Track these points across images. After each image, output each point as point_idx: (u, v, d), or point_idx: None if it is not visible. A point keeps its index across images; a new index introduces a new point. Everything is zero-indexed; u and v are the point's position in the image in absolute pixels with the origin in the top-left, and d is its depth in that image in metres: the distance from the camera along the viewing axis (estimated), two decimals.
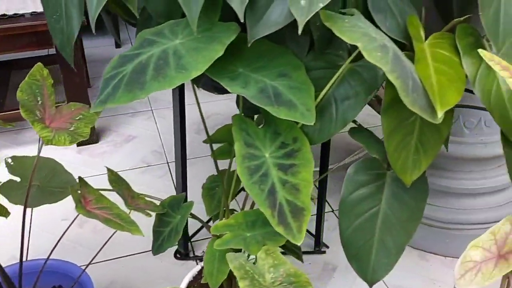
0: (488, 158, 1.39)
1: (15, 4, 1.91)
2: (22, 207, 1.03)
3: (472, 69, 0.83)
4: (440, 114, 0.76)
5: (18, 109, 0.91)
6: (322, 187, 1.44)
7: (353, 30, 0.77)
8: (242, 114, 1.11)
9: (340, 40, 0.85)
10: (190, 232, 1.58)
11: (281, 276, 0.86)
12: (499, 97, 0.83)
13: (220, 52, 0.82)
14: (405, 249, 1.46)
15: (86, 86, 2.00)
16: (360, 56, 0.80)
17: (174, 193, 1.71)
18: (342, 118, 0.91)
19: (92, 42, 3.02)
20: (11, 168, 1.12)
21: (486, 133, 1.35)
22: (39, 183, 1.15)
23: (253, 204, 1.09)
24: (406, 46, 0.90)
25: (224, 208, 1.13)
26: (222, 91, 1.03)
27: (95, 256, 1.14)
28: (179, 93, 1.26)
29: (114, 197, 1.04)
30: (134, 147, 2.08)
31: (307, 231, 1.60)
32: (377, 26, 0.87)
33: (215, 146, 1.20)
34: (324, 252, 1.55)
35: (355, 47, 0.80)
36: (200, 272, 1.27)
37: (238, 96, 1.06)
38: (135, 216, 1.04)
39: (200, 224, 1.55)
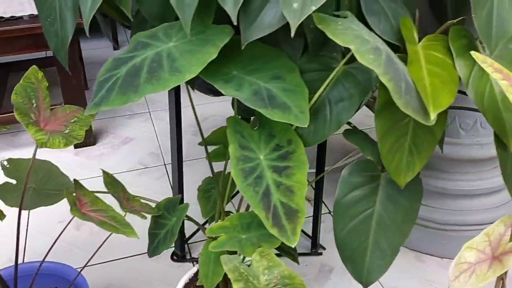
0: (484, 159, 1.39)
1: (13, 6, 1.91)
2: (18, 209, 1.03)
3: (465, 71, 0.83)
4: (433, 116, 0.76)
5: None
6: (318, 188, 1.45)
7: (346, 33, 0.77)
8: (238, 116, 1.11)
9: (334, 43, 0.85)
10: (187, 234, 1.58)
11: (276, 278, 0.86)
12: (492, 99, 0.83)
13: (214, 54, 0.82)
14: (402, 250, 1.46)
15: (83, 88, 2.00)
16: (354, 59, 0.80)
17: (171, 195, 1.71)
18: (336, 120, 0.91)
19: (90, 44, 3.02)
20: (6, 171, 1.12)
21: (482, 134, 1.36)
22: (35, 186, 1.15)
23: (248, 206, 1.10)
24: (399, 48, 0.90)
25: (220, 211, 1.13)
26: (217, 93, 1.03)
27: (90, 258, 1.14)
28: (175, 95, 1.26)
29: (110, 200, 1.04)
30: (131, 149, 2.08)
31: (304, 232, 1.61)
32: (370, 29, 0.87)
33: (212, 148, 1.21)
34: (320, 253, 1.55)
35: (349, 49, 0.80)
36: (196, 274, 1.27)
37: (233, 98, 1.06)
38: (132, 218, 1.04)
39: (197, 226, 1.55)
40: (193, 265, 1.50)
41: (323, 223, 1.60)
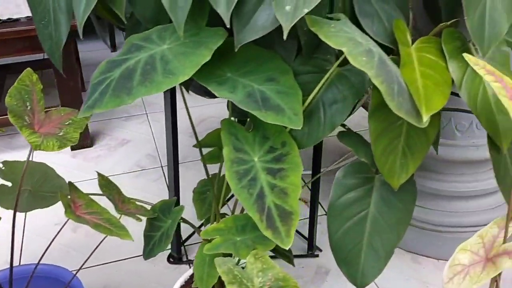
0: (480, 160, 1.40)
1: (10, 9, 1.91)
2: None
3: (458, 73, 0.83)
4: (426, 118, 0.76)
5: None
6: (314, 189, 1.45)
7: (338, 35, 0.77)
8: (233, 118, 1.11)
9: (327, 45, 0.85)
10: (184, 236, 1.58)
11: (270, 280, 0.86)
12: (485, 101, 0.83)
13: (207, 57, 0.82)
14: (398, 252, 1.47)
15: (80, 90, 2.00)
16: (347, 61, 0.80)
17: (168, 197, 1.71)
18: (330, 122, 0.91)
19: (87, 46, 3.02)
20: (2, 173, 1.12)
21: (478, 136, 1.36)
22: (31, 188, 1.15)
23: (243, 208, 1.10)
24: (393, 50, 0.90)
25: (215, 213, 1.13)
26: (213, 95, 1.03)
27: (86, 261, 1.14)
28: (171, 97, 1.26)
29: (106, 202, 1.04)
30: (128, 151, 2.08)
31: (301, 234, 1.61)
32: (364, 31, 0.87)
33: (208, 150, 1.21)
34: (317, 255, 1.55)
35: (342, 52, 0.80)
36: (192, 276, 1.27)
37: (228, 100, 1.06)
38: (128, 220, 1.04)
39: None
40: (190, 267, 1.50)
41: (319, 225, 1.60)
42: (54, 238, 1.09)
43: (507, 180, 0.87)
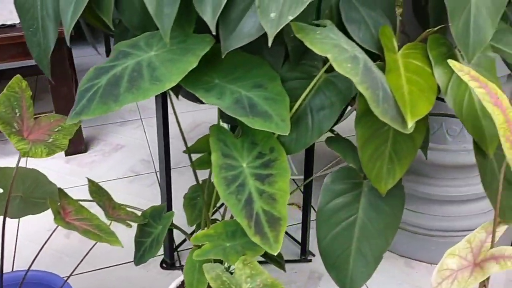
0: (471, 165, 1.40)
1: (3, 15, 1.92)
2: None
3: (444, 79, 0.84)
4: (411, 124, 0.77)
5: None
6: (307, 194, 1.45)
7: (324, 42, 0.78)
8: (225, 124, 1.12)
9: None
10: (177, 242, 1.58)
11: (258, 286, 0.86)
12: (471, 106, 0.84)
13: (194, 63, 0.83)
14: (391, 256, 1.47)
15: (74, 96, 2.00)
16: None
17: (161, 202, 1.71)
18: (318, 128, 0.92)
19: (82, 51, 3.02)
20: None
21: (469, 140, 1.36)
22: (22, 194, 1.15)
23: None
24: (380, 57, 0.90)
25: (205, 219, 1.14)
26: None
27: (77, 267, 1.14)
28: (162, 102, 1.27)
29: (98, 208, 1.04)
30: (122, 156, 2.08)
31: (293, 238, 1.61)
32: (351, 38, 0.87)
33: (198, 156, 1.21)
34: (310, 260, 1.55)
35: None
36: (183, 282, 1.27)
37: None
38: (120, 227, 1.04)
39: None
40: (182, 273, 1.49)
41: (312, 229, 1.60)
42: (45, 243, 1.09)
43: (494, 185, 0.88)
